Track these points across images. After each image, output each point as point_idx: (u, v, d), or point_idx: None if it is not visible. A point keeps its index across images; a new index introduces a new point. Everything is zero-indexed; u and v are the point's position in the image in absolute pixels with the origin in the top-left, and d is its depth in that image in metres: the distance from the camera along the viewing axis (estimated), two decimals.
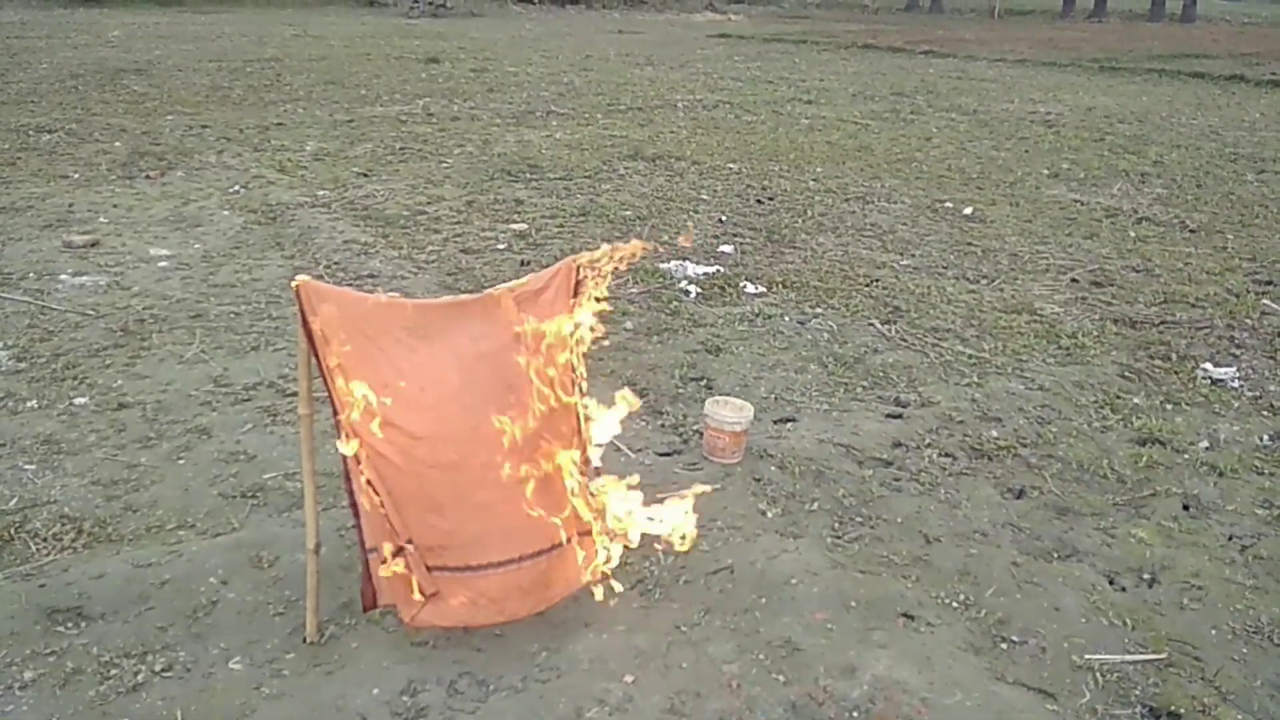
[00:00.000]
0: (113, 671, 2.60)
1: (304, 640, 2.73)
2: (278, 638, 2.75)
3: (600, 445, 2.95)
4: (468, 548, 2.60)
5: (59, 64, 14.45)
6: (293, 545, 3.08)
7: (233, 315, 5.15)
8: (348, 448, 2.50)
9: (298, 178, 8.21)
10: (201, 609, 2.86)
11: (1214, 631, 2.95)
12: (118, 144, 9.18)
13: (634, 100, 13.12)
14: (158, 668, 2.62)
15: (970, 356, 4.92)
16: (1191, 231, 7.37)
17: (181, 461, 3.70)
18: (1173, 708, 2.63)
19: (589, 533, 2.80)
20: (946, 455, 3.94)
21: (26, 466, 3.59)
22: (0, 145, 8.87)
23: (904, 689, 2.64)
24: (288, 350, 4.63)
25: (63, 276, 5.59)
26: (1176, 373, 4.80)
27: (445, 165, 8.86)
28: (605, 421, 3.01)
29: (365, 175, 8.38)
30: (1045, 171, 9.32)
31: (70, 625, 2.77)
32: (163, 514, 3.34)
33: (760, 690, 2.61)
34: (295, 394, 3.91)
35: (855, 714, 2.55)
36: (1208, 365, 4.86)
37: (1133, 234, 7.26)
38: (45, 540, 3.15)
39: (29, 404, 4.07)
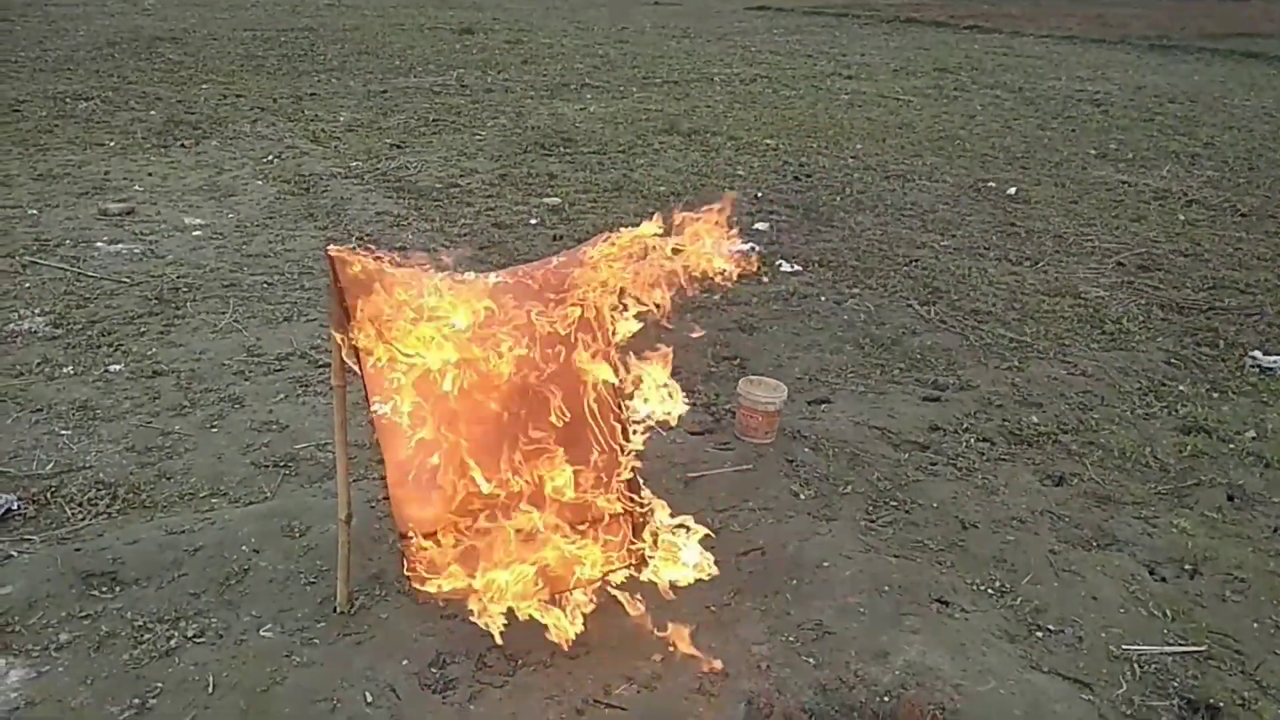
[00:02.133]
0: (146, 636, 2.63)
1: (334, 610, 2.74)
2: (308, 607, 2.76)
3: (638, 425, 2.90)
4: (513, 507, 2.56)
5: (95, 31, 14.55)
6: (324, 515, 3.09)
7: (265, 285, 5.16)
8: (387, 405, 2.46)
9: (331, 148, 8.21)
10: (234, 576, 2.88)
11: (1255, 625, 2.88)
12: (153, 112, 9.23)
13: (670, 74, 12.97)
14: (190, 633, 2.65)
15: (1011, 340, 4.82)
16: (1243, 215, 7.15)
17: (215, 430, 3.72)
18: (1211, 700, 2.57)
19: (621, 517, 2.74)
20: (985, 440, 3.87)
21: (62, 432, 3.63)
22: (38, 112, 8.96)
23: (936, 675, 2.60)
24: (320, 321, 4.64)
25: (98, 244, 5.63)
26: (1224, 360, 4.67)
27: (479, 138, 8.82)
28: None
29: (398, 147, 8.37)
30: (1092, 152, 9.09)
31: (105, 590, 2.80)
32: (196, 482, 3.37)
33: (790, 672, 2.58)
34: (327, 365, 3.92)
35: (886, 698, 2.52)
36: (1257, 353, 4.72)
37: (1182, 217, 7.07)
38: (81, 505, 3.19)
39: (65, 370, 4.12)
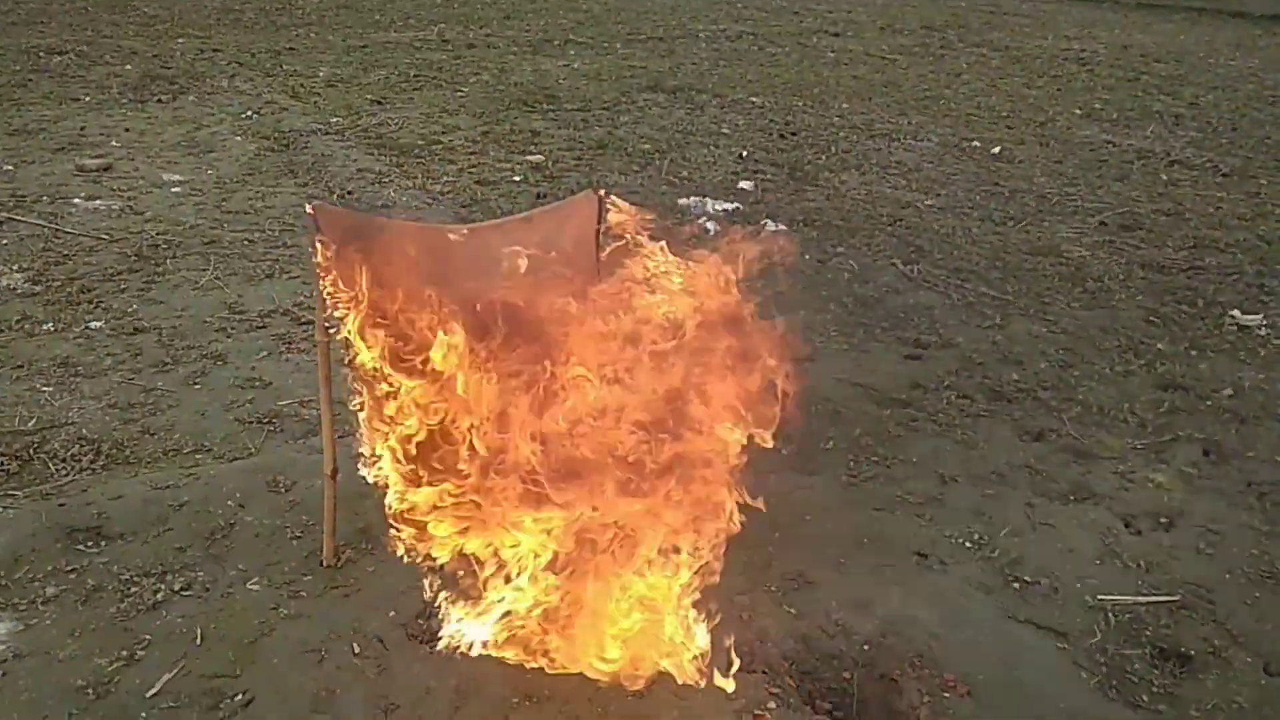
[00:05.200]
0: (133, 589, 2.64)
1: (321, 564, 2.76)
2: (295, 561, 2.78)
3: None
4: None
5: None
6: (309, 471, 3.09)
7: (246, 242, 5.12)
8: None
9: (310, 104, 8.10)
10: (219, 531, 2.89)
11: (1228, 576, 2.94)
12: (128, 67, 9.05)
13: (654, 29, 12.80)
14: (177, 587, 2.66)
15: (993, 298, 4.85)
16: (1225, 175, 7.18)
17: (198, 387, 3.71)
18: (1183, 649, 2.64)
19: None
20: (965, 397, 3.91)
21: (44, 388, 3.61)
22: (11, 67, 8.77)
23: (915, 624, 2.65)
24: (302, 278, 4.61)
25: (76, 200, 5.56)
26: (1203, 318, 4.72)
27: (460, 94, 8.71)
28: None
29: (379, 103, 8.26)
30: (1077, 111, 9.08)
31: (90, 544, 2.81)
32: (180, 438, 3.36)
33: (771, 622, 2.62)
34: (310, 322, 3.91)
35: (866, 647, 2.57)
36: (1235, 311, 4.77)
37: (1164, 177, 7.09)
38: (64, 461, 3.18)
39: (45, 326, 4.08)
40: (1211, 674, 2.57)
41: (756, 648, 2.52)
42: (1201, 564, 2.99)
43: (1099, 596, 2.82)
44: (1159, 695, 2.49)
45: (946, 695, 2.44)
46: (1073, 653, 2.61)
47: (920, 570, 2.89)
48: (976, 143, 7.78)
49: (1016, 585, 2.86)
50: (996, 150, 7.56)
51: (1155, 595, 2.84)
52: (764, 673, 2.47)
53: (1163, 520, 3.19)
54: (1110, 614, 2.75)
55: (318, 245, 2.36)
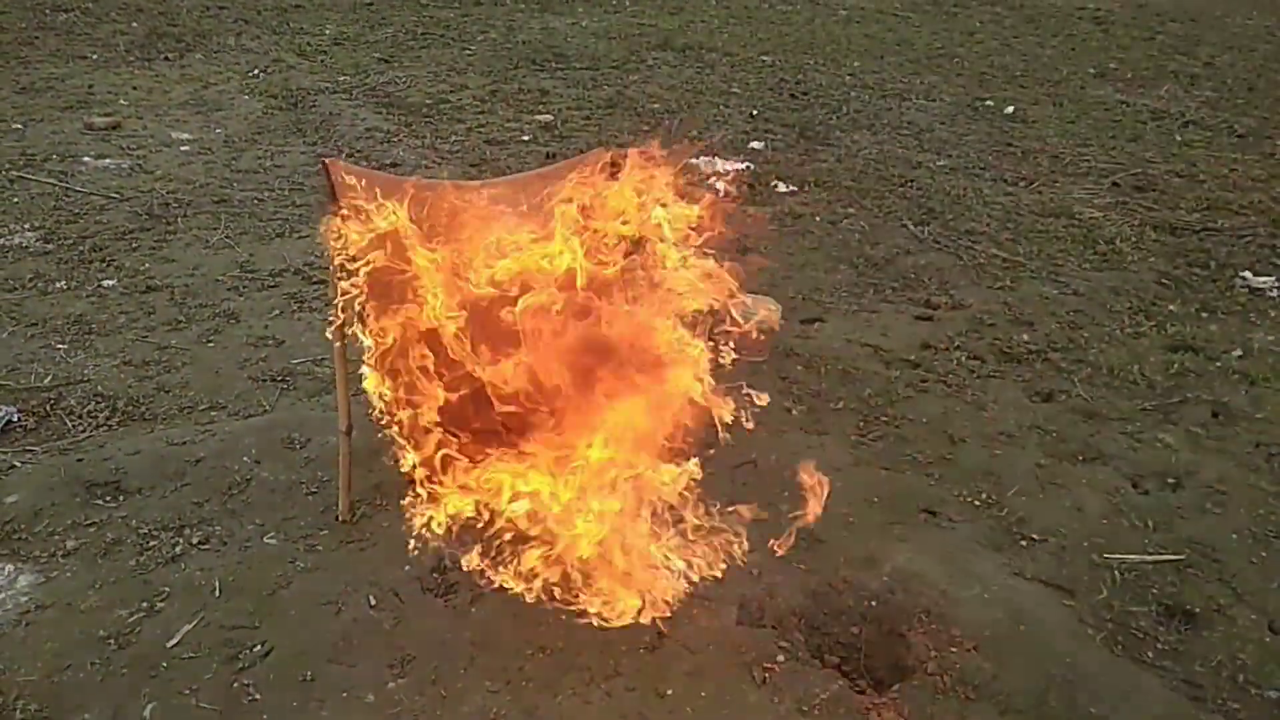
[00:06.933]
0: (151, 543, 2.69)
1: (336, 519, 2.80)
2: (311, 516, 2.82)
3: None
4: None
5: None
6: (323, 428, 3.13)
7: (256, 201, 5.11)
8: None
9: (318, 63, 8.03)
10: (236, 486, 2.92)
11: (1234, 535, 2.96)
12: (135, 24, 8.96)
13: None
14: (195, 540, 2.70)
15: (1004, 260, 4.83)
16: (1240, 136, 7.09)
17: (211, 345, 3.73)
18: (1189, 606, 2.67)
19: None
20: (975, 358, 3.91)
21: (59, 346, 3.64)
22: (18, 23, 8.69)
23: (923, 581, 2.68)
24: (312, 237, 4.61)
25: (85, 159, 5.54)
26: (1215, 280, 4.70)
27: (468, 52, 8.62)
28: None
29: (386, 61, 8.18)
30: (1091, 70, 8.95)
31: (109, 499, 2.85)
32: (194, 395, 3.39)
33: (781, 579, 2.65)
34: (321, 281, 3.92)
35: (874, 603, 2.60)
36: (1247, 274, 4.74)
37: (1179, 138, 7.01)
38: (80, 417, 3.21)
39: (58, 285, 4.10)
40: (1216, 631, 2.60)
41: (767, 603, 2.56)
42: (1208, 523, 3.01)
43: (1106, 555, 2.84)
44: (1164, 651, 2.53)
45: (953, 650, 2.47)
46: (1079, 610, 2.64)
47: (929, 528, 2.92)
48: (989, 102, 7.69)
49: (1024, 543, 2.88)
50: (1009, 110, 7.47)
51: (1162, 554, 2.87)
52: (773, 627, 2.51)
53: (1170, 480, 3.21)
54: (1117, 572, 2.78)
55: (332, 191, 2.38)
